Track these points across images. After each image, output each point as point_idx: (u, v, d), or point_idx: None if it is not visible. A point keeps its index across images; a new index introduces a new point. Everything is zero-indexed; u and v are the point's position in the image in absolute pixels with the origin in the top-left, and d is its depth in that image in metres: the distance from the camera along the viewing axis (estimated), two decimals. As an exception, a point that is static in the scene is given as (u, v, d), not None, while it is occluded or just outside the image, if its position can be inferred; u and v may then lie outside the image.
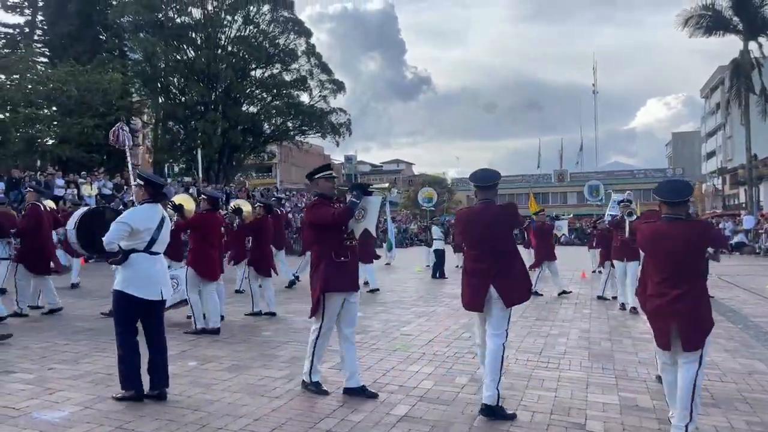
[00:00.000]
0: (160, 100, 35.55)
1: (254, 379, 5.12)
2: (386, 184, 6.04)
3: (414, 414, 4.28)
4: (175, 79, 36.13)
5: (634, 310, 8.84)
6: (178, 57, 35.17)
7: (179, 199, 8.08)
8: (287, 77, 38.14)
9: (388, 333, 7.34)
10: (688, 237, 3.90)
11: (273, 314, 8.50)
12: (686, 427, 3.74)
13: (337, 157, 73.68)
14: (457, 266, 19.20)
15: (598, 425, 4.10)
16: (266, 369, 5.46)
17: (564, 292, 11.35)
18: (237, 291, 11.07)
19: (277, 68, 37.91)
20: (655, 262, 4.06)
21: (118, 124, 5.97)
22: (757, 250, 26.26)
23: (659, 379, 4.39)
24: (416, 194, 44.78)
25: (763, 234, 26.72)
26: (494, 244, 4.47)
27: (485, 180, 4.55)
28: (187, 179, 30.22)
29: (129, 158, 7.66)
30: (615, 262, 9.70)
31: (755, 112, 30.47)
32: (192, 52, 35.66)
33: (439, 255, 15.42)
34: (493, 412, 4.22)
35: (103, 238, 4.48)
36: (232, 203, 10.86)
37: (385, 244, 21.71)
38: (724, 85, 40.71)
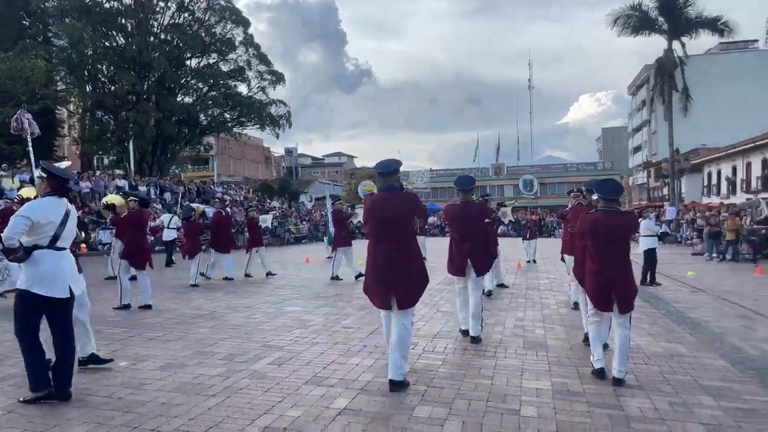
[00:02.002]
0: (88, 89, 33.86)
1: (189, 377, 4.98)
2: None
3: (354, 407, 4.28)
4: (104, 67, 34.50)
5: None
6: (107, 44, 33.59)
7: (111, 198, 9.32)
8: (224, 67, 37.20)
9: (329, 327, 7.31)
10: (621, 225, 5.04)
11: (149, 306, 8.54)
12: (625, 370, 4.89)
13: (278, 150, 72.70)
14: None
15: (531, 410, 4.23)
16: (202, 367, 5.32)
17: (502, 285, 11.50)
18: (192, 285, 11.27)
19: (213, 58, 36.90)
20: (595, 245, 5.06)
21: (19, 111, 5.56)
22: (678, 239, 27.81)
23: (585, 338, 5.76)
24: (357, 187, 44.70)
25: (684, 224, 28.30)
26: (397, 229, 4.88)
27: (387, 167, 4.99)
28: (118, 172, 29.02)
29: (31, 147, 7.20)
30: (565, 256, 9.66)
31: (677, 109, 32.14)
32: (122, 38, 34.14)
33: None
34: (401, 385, 4.68)
35: (2, 234, 4.23)
36: (103, 200, 10.81)
37: (325, 238, 21.61)
38: (649, 82, 42.69)
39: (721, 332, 7.08)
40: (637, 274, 11.92)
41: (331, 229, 21.00)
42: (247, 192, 38.35)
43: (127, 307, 8.41)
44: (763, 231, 18.38)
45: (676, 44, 31.91)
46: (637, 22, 32.00)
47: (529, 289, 11.28)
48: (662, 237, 12.73)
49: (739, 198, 33.40)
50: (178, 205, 15.55)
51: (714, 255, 18.84)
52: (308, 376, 5.04)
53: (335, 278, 12.38)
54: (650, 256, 11.70)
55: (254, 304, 9.22)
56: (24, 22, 32.58)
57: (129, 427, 3.83)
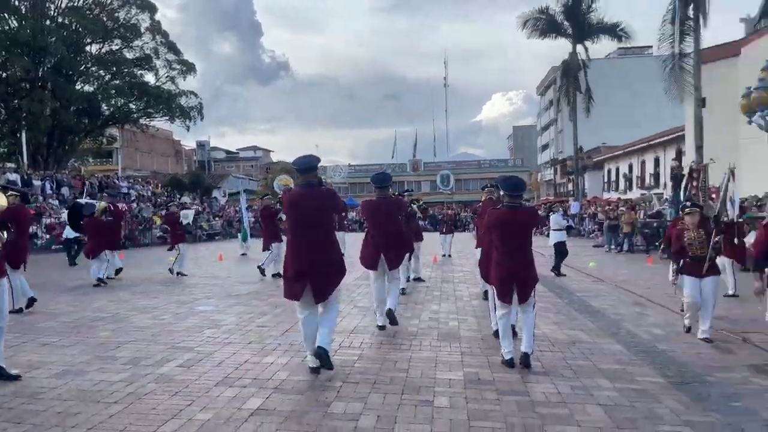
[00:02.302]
0: (-25, 75, 31.06)
1: (88, 384, 4.68)
2: None
3: (267, 406, 4.20)
4: (-6, 51, 31.74)
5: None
6: (-2, 26, 30.94)
7: None
8: (129, 55, 35.31)
9: (243, 326, 7.12)
10: (523, 220, 5.36)
11: (34, 300, 8.22)
12: (532, 349, 5.23)
13: (189, 143, 70.04)
14: None
15: (444, 400, 4.33)
16: (103, 372, 5.01)
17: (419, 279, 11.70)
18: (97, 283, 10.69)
19: (116, 44, 34.92)
20: (501, 238, 5.35)
21: None
22: (582, 232, 29.47)
23: (496, 333, 5.89)
24: (273, 182, 43.94)
25: (586, 218, 30.02)
26: (319, 224, 5.02)
27: (305, 164, 5.08)
28: (9, 165, 26.85)
29: None
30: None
31: (581, 109, 34.01)
32: (15, 21, 31.54)
33: None
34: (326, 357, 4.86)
35: None
36: None
37: (239, 235, 21.07)
38: (556, 84, 44.91)
39: (618, 319, 7.56)
40: (547, 266, 12.57)
41: (246, 226, 20.61)
42: (156, 187, 36.66)
43: (19, 311, 7.78)
44: (655, 224, 19.82)
45: (579, 48, 33.69)
46: (544, 26, 33.49)
47: (444, 282, 11.54)
48: (568, 230, 13.43)
49: (635, 193, 35.95)
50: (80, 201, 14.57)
51: (612, 246, 20.14)
52: (219, 378, 4.88)
53: (277, 275, 11.48)
54: (560, 248, 12.37)
55: (162, 304, 8.83)
56: None
57: (19, 440, 3.55)
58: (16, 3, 31.51)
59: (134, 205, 27.93)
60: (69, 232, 15.90)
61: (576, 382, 4.76)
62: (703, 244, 6.21)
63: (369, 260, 6.84)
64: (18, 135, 30.89)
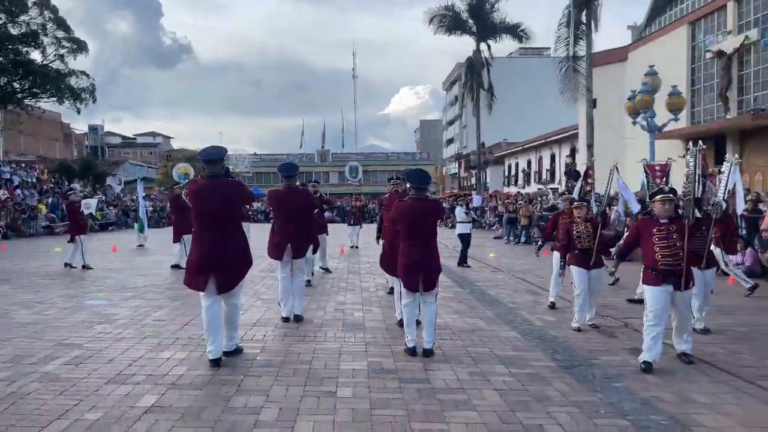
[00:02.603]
0: None
1: (-39, 386, 4.27)
2: None
3: (163, 403, 4.03)
4: None
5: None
6: None
7: None
8: (13, 30, 32.30)
9: (138, 320, 6.78)
10: (427, 212, 5.49)
11: None
12: (433, 342, 5.35)
13: (80, 127, 65.32)
14: None
15: (347, 390, 4.36)
16: (-22, 373, 4.60)
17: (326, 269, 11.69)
18: None
19: (0, 18, 31.83)
20: (407, 230, 5.47)
21: None
22: (483, 225, 30.68)
23: (400, 323, 6.03)
24: (173, 170, 42.04)
25: (488, 210, 31.26)
26: (225, 216, 5.06)
27: (211, 155, 5.10)
28: None
29: None
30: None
31: (484, 106, 35.31)
32: None
33: None
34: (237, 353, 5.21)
35: None
36: None
37: (136, 225, 20.02)
38: (461, 80, 46.21)
39: (514, 307, 7.95)
40: (451, 258, 12.97)
41: (143, 216, 19.58)
42: (42, 173, 33.93)
43: None
44: (550, 217, 20.97)
45: (483, 46, 34.90)
46: (450, 23, 34.37)
47: (350, 273, 11.60)
48: (472, 223, 14.02)
49: (533, 188, 37.86)
50: None
51: (511, 238, 21.12)
52: (111, 375, 4.63)
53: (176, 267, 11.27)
54: (464, 239, 12.84)
55: (47, 298, 8.21)
56: None
57: None
58: None
59: (17, 192, 25.71)
60: None
61: (474, 369, 4.96)
62: (590, 237, 6.64)
63: (275, 250, 6.80)
64: None
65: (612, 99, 23.10)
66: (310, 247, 7.57)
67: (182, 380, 4.55)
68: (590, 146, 21.81)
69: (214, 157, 5.08)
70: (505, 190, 42.18)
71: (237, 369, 4.85)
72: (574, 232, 6.71)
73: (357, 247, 17.64)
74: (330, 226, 12.56)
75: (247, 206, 7.01)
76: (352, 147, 71.65)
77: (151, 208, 24.56)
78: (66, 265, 11.78)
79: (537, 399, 4.22)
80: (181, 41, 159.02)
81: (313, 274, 10.19)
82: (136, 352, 5.33)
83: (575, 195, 8.43)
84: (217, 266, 4.96)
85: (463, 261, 12.77)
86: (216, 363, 4.88)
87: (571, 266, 6.70)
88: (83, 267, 11.72)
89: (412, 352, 5.32)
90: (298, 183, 7.63)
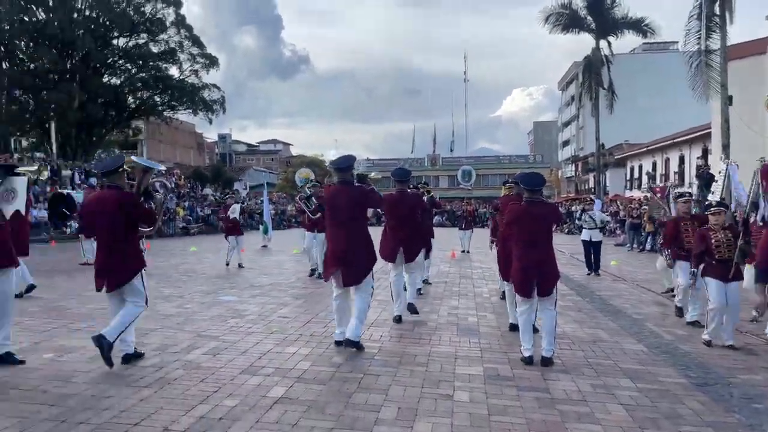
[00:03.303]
0: (5, 66, 31.73)
1: (119, 369, 4.83)
2: (35, 167, 6.10)
3: (290, 395, 4.29)
4: (23, 44, 32.40)
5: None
6: (26, 18, 31.53)
7: None
8: (154, 48, 35.80)
9: (265, 316, 7.26)
10: (543, 215, 5.42)
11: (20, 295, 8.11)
12: (552, 351, 5.24)
13: (211, 136, 70.69)
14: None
15: (464, 395, 4.38)
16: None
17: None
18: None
19: (142, 38, 35.42)
20: (521, 233, 5.44)
21: None
22: (604, 231, 29.22)
23: (512, 327, 6.28)
24: (294, 175, 44.24)
25: (608, 215, 29.73)
26: (351, 218, 5.58)
27: (341, 163, 5.76)
28: (39, 155, 27.43)
29: None
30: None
31: (604, 106, 33.66)
32: (43, 14, 32.15)
33: None
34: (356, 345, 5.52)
35: None
36: None
37: (261, 227, 21.28)
38: (578, 79, 44.44)
39: (640, 318, 7.54)
40: (569, 264, 12.52)
41: (268, 218, 20.82)
42: (179, 178, 37.16)
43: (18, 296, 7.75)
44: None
45: (603, 43, 33.35)
46: (567, 21, 33.21)
47: (462, 278, 11.58)
48: (601, 229, 13.15)
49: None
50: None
51: (635, 245, 19.94)
52: (244, 366, 5.00)
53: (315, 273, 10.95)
54: (593, 246, 12.31)
55: (186, 293, 9.01)
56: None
57: (56, 420, 3.68)
58: (44, -5, 32.08)
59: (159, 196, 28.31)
60: None
61: (597, 381, 4.79)
62: (731, 246, 6.10)
63: (388, 253, 7.01)
64: (47, 126, 31.50)
65: (749, 95, 21.09)
66: (422, 251, 7.69)
67: (307, 375, 4.81)
68: (726, 146, 20.05)
69: (343, 165, 5.74)
70: (627, 194, 39.84)
71: (357, 367, 5.05)
72: (713, 240, 6.18)
73: (468, 251, 17.55)
74: (440, 231, 12.63)
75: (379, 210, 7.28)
76: (463, 151, 71.21)
77: (273, 212, 26.01)
78: (239, 265, 12.67)
79: (667, 417, 4.00)
80: (300, 53, 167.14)
81: (426, 281, 10.02)
82: (264, 346, 5.71)
83: (715, 197, 7.83)
84: (343, 262, 5.55)
85: (591, 268, 12.28)
86: (338, 344, 5.61)
87: (705, 278, 6.20)
88: (239, 266, 12.63)
89: (528, 360, 5.23)
90: (410, 186, 7.82)
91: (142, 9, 34.50)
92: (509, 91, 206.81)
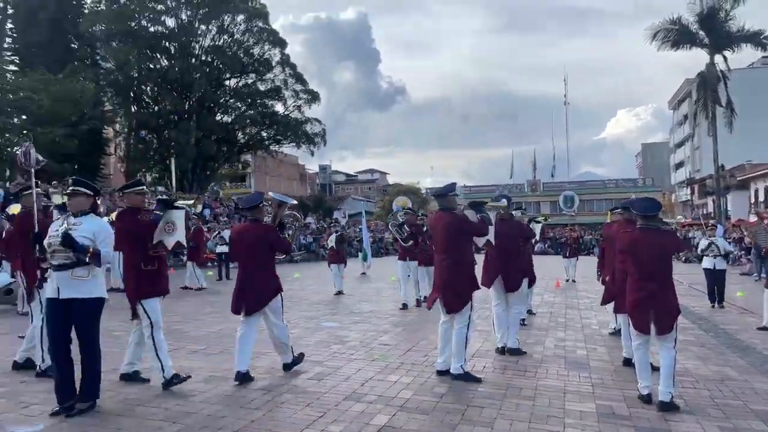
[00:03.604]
0: (133, 109, 35.12)
1: (232, 390, 5.06)
2: (191, 200, 6.42)
3: (394, 424, 4.28)
4: (148, 88, 35.76)
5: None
6: (151, 66, 34.83)
7: None
8: (262, 87, 38.08)
9: (366, 343, 7.33)
10: (660, 243, 4.98)
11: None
12: (671, 394, 4.72)
13: (312, 167, 73.54)
14: None
15: (575, 432, 4.16)
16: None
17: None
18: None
19: (251, 78, 37.84)
20: (635, 263, 5.04)
21: (26, 144, 5.05)
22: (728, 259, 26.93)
23: (626, 362, 5.92)
24: (391, 203, 44.86)
25: (731, 242, 27.39)
26: (449, 244, 5.66)
27: (440, 191, 5.97)
28: (160, 188, 29.83)
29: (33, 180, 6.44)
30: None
31: (722, 124, 31.32)
32: (165, 61, 35.35)
33: None
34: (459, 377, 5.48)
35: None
36: None
37: (360, 254, 21.67)
38: (691, 97, 41.80)
39: (773, 355, 6.81)
40: (688, 296, 11.61)
41: (367, 246, 21.18)
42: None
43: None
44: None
45: (718, 58, 31.23)
46: (676, 36, 31.48)
47: (569, 308, 11.09)
48: (725, 256, 12.02)
49: (788, 216, 32.17)
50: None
51: (763, 275, 18.14)
52: (347, 392, 5.06)
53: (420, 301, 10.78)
54: (715, 275, 11.41)
55: (291, 319, 9.28)
56: (72, 45, 34.01)
57: (176, 438, 3.91)
58: (167, 44, 35.27)
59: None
60: (221, 249, 17.16)
61: (726, 423, 4.37)
62: None
63: (488, 280, 6.87)
64: (167, 162, 34.32)
65: None
66: (525, 281, 7.42)
67: (409, 404, 4.78)
68: None
69: (441, 192, 5.92)
70: (752, 218, 36.54)
71: (461, 398, 4.95)
72: None
73: (574, 280, 16.81)
74: (543, 258, 12.22)
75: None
76: (564, 175, 68.92)
77: (371, 239, 26.47)
78: (338, 292, 12.91)
79: (813, 467, 3.55)
80: (397, 84, 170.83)
81: (530, 311, 9.62)
82: (366, 373, 5.76)
83: None
84: (443, 288, 5.65)
85: (714, 299, 11.34)
86: (439, 373, 5.61)
87: None
88: (338, 293, 12.84)
89: (646, 399, 4.85)
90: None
91: (251, 51, 36.94)
92: (614, 112, 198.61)
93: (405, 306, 10.52)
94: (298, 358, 5.89)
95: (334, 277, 13.36)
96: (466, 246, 5.75)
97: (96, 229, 4.45)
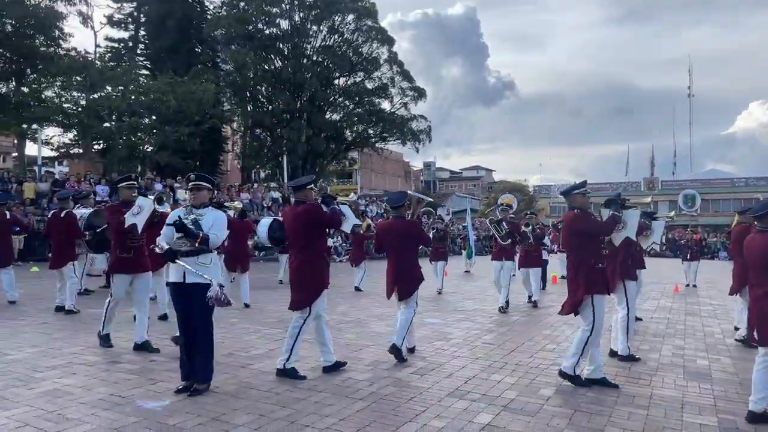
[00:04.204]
0: (249, 109, 37.17)
1: (338, 380, 5.25)
2: (354, 197, 6.82)
3: (498, 423, 4.23)
4: (263, 88, 37.66)
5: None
6: (266, 67, 36.64)
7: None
8: (369, 85, 38.81)
9: (470, 341, 7.29)
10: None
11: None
12: None
13: (416, 164, 73.95)
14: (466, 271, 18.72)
15: (695, 447, 3.89)
16: (349, 371, 5.57)
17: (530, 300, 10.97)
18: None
19: (359, 76, 38.67)
20: (759, 271, 4.54)
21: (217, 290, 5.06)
22: None
23: None
24: (496, 201, 44.05)
25: None
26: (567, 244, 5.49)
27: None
28: (273, 185, 31.36)
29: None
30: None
31: None
32: (279, 62, 37.05)
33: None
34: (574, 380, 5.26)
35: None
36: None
37: (464, 252, 21.51)
38: (839, 86, 37.25)
39: None
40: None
41: (472, 243, 20.99)
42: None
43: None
44: None
45: None
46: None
47: (688, 315, 10.35)
48: None
49: None
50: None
51: None
52: (450, 389, 5.07)
53: (534, 304, 10.84)
54: None
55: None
56: (196, 49, 36.63)
57: (287, 421, 4.13)
58: (281, 46, 36.95)
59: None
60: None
61: None
62: None
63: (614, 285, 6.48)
64: (280, 159, 36.01)
65: None
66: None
67: (514, 404, 4.70)
68: None
69: (566, 190, 5.63)
70: None
71: (568, 402, 4.79)
72: None
73: (695, 285, 15.66)
74: (659, 261, 11.45)
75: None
76: (687, 173, 64.03)
77: (475, 237, 26.18)
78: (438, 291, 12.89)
79: None
80: (505, 79, 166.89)
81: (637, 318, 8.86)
82: (470, 371, 5.73)
83: None
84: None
85: None
86: (560, 374, 5.38)
87: None
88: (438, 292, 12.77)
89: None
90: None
91: (360, 50, 37.78)
92: (745, 104, 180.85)
93: (502, 308, 9.98)
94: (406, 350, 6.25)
95: (435, 274, 13.21)
96: (581, 245, 5.37)
97: (214, 219, 4.82)
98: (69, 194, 9.98)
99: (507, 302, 10.14)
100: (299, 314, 5.36)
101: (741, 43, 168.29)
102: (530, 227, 10.70)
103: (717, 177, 64.08)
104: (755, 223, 4.84)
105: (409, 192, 6.71)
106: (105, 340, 6.34)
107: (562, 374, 5.32)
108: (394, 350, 5.95)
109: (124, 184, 6.64)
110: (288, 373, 5.21)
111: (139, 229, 6.19)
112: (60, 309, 8.66)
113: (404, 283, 6.14)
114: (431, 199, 7.15)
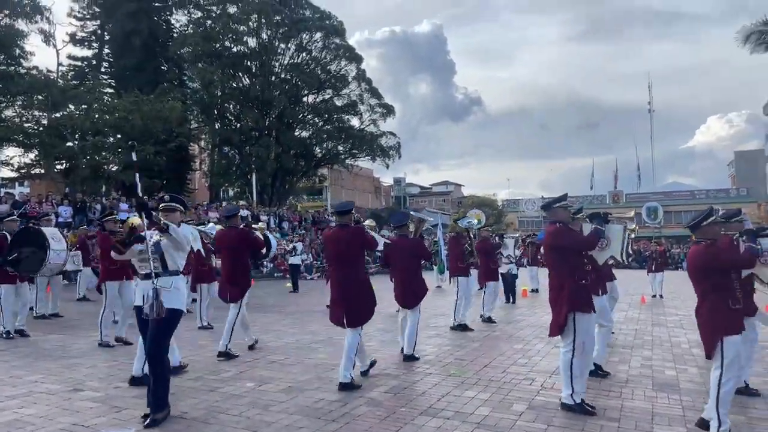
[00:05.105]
0: (217, 126, 36.78)
1: (310, 401, 5.16)
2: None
3: (471, 441, 4.21)
4: (231, 106, 37.35)
5: None
6: (234, 85, 36.38)
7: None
8: (338, 102, 38.86)
9: (442, 358, 7.27)
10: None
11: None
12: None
13: (387, 180, 74.05)
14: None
15: (665, 459, 3.92)
16: (321, 392, 5.49)
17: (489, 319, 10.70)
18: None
19: (328, 94, 38.69)
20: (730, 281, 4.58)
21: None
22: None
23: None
24: (465, 216, 44.31)
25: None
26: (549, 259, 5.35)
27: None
28: (242, 202, 31.01)
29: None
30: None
31: (826, 129, 28.92)
32: (247, 79, 36.84)
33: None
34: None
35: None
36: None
37: (436, 267, 21.54)
38: (790, 101, 38.83)
39: None
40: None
41: (444, 258, 21.04)
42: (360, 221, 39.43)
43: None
44: None
45: (822, 58, 28.89)
46: (773, 37, 29.41)
47: (655, 325, 10.53)
48: None
49: None
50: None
51: None
52: (423, 407, 5.03)
53: (488, 320, 10.73)
54: None
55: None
56: (162, 67, 36.20)
57: (257, 446, 4.02)
58: (248, 63, 36.80)
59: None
60: (294, 260, 18.00)
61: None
62: None
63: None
64: (248, 177, 35.69)
65: None
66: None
67: (487, 421, 4.68)
68: None
69: (547, 204, 5.58)
70: None
71: (540, 417, 4.80)
72: None
73: (661, 296, 15.97)
74: (626, 273, 11.66)
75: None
76: (650, 186, 65.67)
77: (446, 252, 26.27)
78: None
79: None
80: (472, 95, 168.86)
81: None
82: (443, 389, 5.70)
83: None
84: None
85: None
86: (562, 407, 5.08)
87: None
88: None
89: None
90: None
91: (328, 67, 37.86)
92: (703, 119, 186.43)
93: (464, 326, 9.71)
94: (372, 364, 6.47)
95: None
96: (564, 261, 5.18)
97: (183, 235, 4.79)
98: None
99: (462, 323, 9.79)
100: (353, 331, 5.89)
101: (699, 59, 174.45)
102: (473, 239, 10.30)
103: (678, 189, 65.93)
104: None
105: (411, 213, 7.54)
106: (118, 341, 7.62)
107: (564, 407, 5.00)
108: (410, 359, 6.95)
109: (108, 218, 8.07)
110: (349, 386, 5.57)
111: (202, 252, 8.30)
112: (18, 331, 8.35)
113: (411, 293, 7.05)
114: (431, 219, 8.56)
